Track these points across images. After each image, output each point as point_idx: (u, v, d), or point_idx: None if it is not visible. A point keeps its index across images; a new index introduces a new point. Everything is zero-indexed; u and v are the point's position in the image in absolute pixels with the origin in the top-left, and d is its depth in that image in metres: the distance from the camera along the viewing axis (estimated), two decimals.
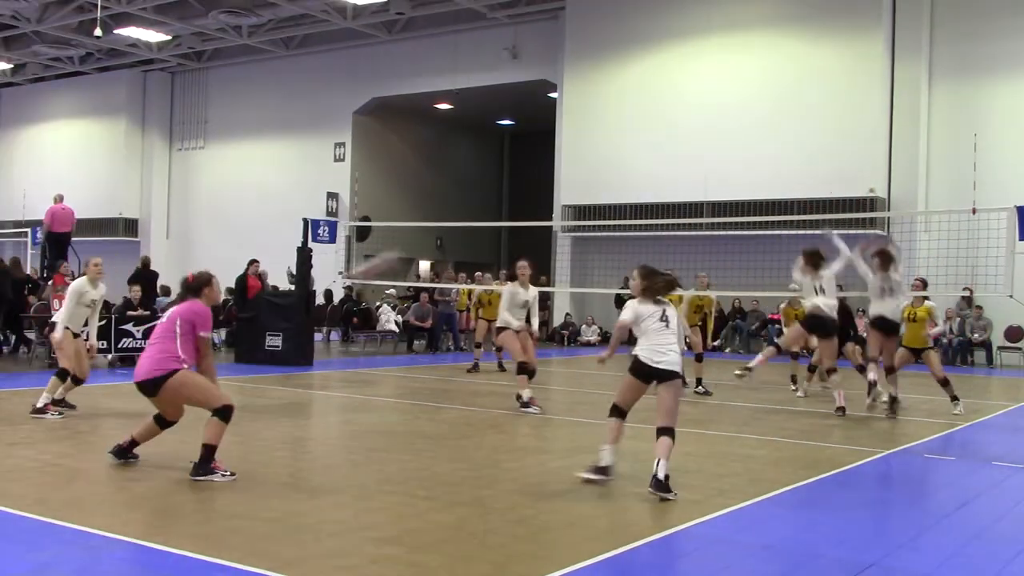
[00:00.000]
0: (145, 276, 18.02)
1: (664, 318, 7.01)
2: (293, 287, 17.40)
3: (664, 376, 6.88)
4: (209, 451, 6.72)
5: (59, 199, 19.33)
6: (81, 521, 5.52)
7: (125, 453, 7.21)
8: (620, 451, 8.34)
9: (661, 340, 6.94)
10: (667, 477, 6.60)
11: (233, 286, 18.37)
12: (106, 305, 15.72)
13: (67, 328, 10.04)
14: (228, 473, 6.77)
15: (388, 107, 30.15)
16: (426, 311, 21.20)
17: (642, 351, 6.94)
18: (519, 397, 11.29)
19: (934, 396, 14.54)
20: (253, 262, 18.29)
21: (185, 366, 6.82)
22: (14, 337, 17.44)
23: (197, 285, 7.06)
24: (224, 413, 6.78)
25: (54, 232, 18.95)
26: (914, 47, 21.75)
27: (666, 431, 6.77)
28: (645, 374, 6.94)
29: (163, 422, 7.17)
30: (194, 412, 7.04)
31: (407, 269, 30.81)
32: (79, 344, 10.18)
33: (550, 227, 25.25)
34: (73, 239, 19.29)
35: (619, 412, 7.14)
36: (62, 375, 9.98)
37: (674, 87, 23.83)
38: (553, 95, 26.52)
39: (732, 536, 5.76)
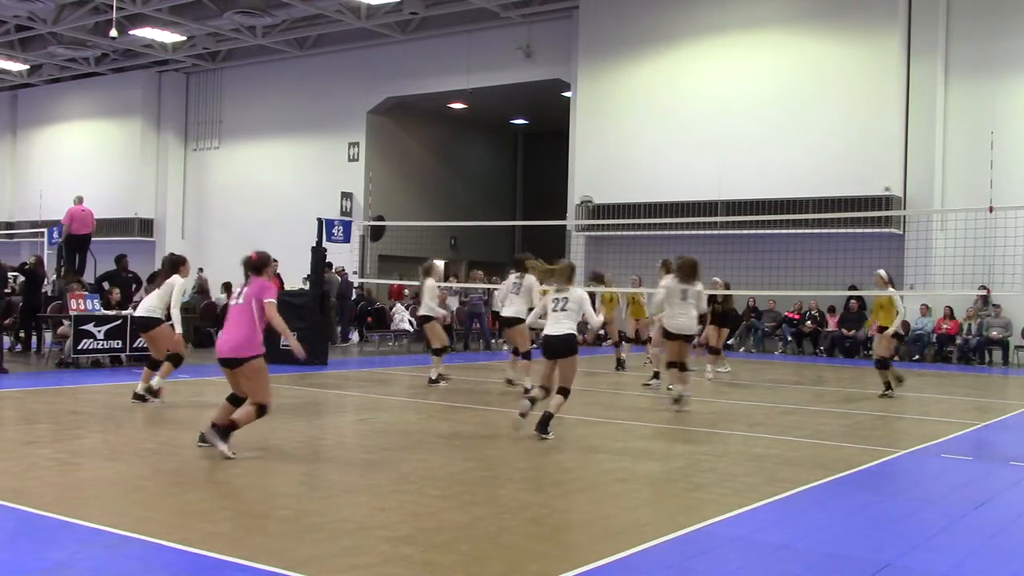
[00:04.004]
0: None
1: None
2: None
3: None
4: (232, 426, 7.50)
5: (79, 201, 19.42)
6: (98, 520, 5.55)
7: (227, 432, 7.58)
8: (634, 452, 8.33)
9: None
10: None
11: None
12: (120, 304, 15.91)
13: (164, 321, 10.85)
14: (232, 454, 7.45)
15: (402, 107, 30.20)
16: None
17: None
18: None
19: (949, 396, 14.49)
20: (273, 261, 18.29)
21: (263, 351, 7.74)
22: (34, 336, 17.52)
23: (261, 264, 8.13)
24: (261, 410, 7.67)
25: (74, 234, 19.05)
26: (930, 44, 21.62)
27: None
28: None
29: (236, 400, 7.73)
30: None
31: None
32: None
33: (564, 226, 25.24)
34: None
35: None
36: (175, 360, 10.77)
37: (688, 85, 23.77)
38: (567, 94, 26.49)
39: (747, 536, 5.75)
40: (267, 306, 7.76)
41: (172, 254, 11.58)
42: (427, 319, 13.92)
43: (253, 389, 7.68)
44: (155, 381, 10.70)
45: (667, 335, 11.61)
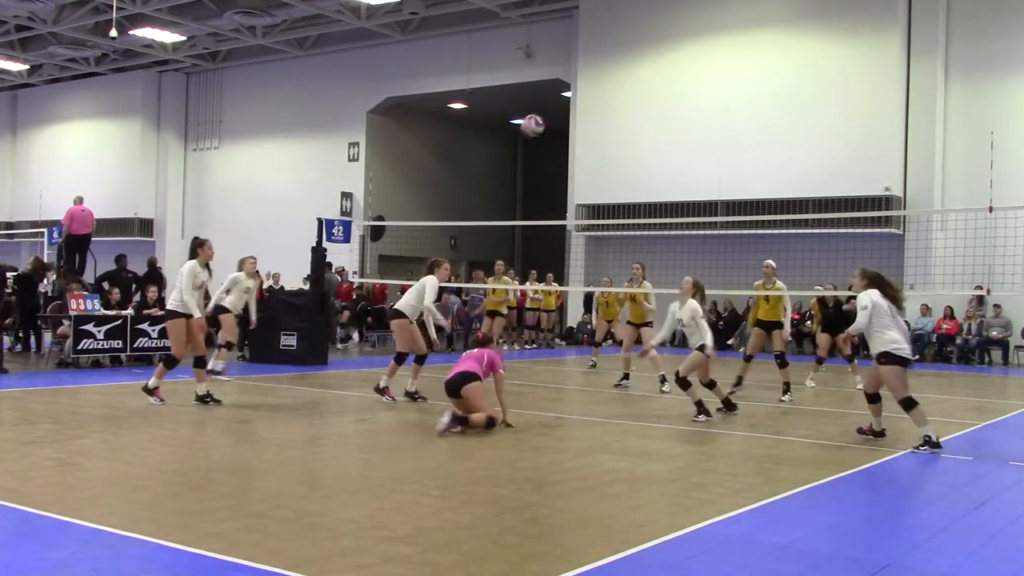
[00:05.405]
0: (157, 276, 18.06)
1: None
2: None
3: None
4: (465, 420, 8.96)
5: (79, 201, 19.42)
6: (98, 520, 5.55)
7: (461, 421, 8.99)
8: (634, 452, 8.33)
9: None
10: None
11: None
12: (121, 304, 15.91)
13: (181, 315, 10.48)
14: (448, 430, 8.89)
15: (402, 107, 30.20)
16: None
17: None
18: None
19: (949, 396, 14.49)
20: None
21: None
22: (33, 336, 17.50)
23: (487, 340, 10.01)
24: (491, 422, 9.14)
25: (74, 234, 19.04)
26: (930, 44, 21.63)
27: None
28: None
29: (462, 420, 9.03)
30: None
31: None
32: (192, 324, 10.57)
33: (564, 226, 25.24)
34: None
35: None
36: (169, 362, 10.58)
37: (688, 85, 23.78)
38: (567, 94, 26.51)
39: (748, 536, 5.75)
40: (501, 376, 9.71)
41: (195, 237, 11.27)
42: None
43: (480, 407, 9.13)
44: (151, 381, 10.65)
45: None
